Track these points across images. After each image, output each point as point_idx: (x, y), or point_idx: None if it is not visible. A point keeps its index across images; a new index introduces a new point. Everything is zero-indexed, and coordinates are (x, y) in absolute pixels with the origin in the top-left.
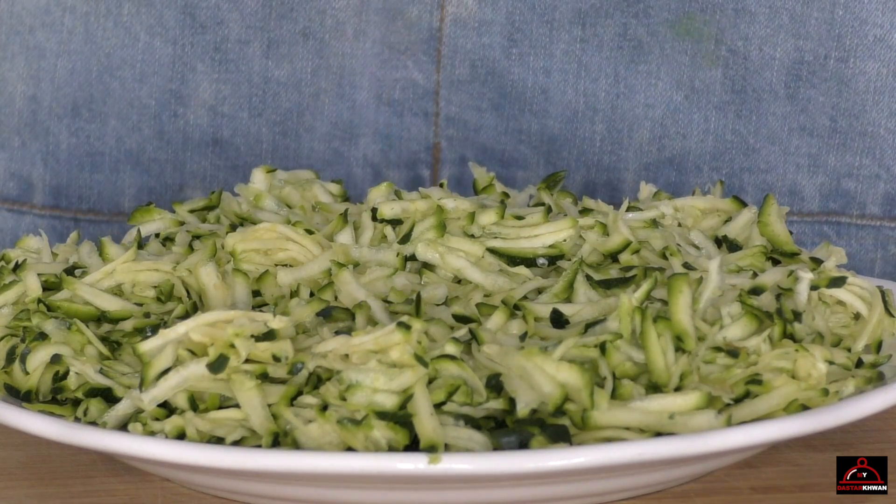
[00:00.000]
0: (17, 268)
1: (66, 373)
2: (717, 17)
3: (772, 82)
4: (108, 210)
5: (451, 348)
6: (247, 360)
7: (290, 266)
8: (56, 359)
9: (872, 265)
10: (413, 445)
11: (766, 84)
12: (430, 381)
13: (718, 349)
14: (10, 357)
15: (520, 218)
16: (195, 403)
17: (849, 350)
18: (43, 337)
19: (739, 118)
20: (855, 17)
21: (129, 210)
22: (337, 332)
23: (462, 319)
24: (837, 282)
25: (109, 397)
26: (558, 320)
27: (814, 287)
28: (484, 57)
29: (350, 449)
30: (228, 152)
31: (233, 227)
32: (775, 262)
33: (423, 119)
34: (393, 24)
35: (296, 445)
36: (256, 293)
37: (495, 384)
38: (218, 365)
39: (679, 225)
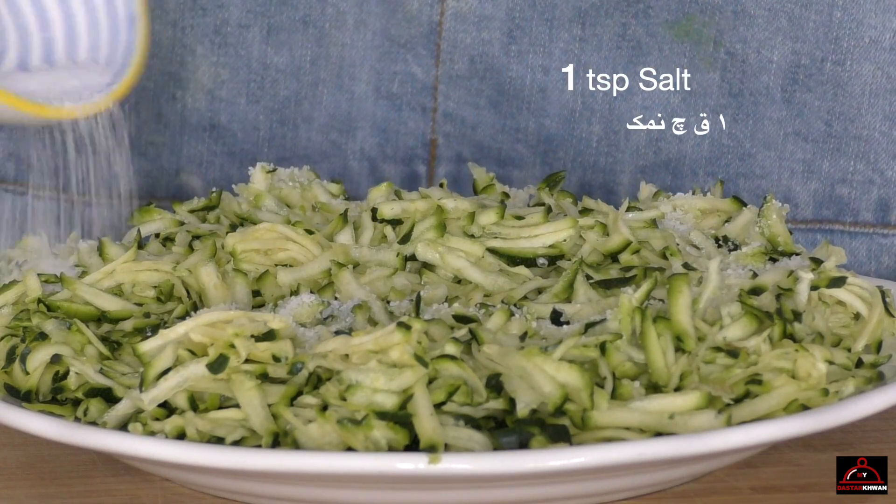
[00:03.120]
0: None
1: (66, 373)
2: (717, 18)
3: (769, 86)
4: (105, 192)
5: (451, 348)
6: (247, 360)
7: (290, 266)
8: (56, 359)
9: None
10: (413, 445)
11: (762, 88)
12: (430, 381)
13: (718, 349)
14: (10, 357)
15: (520, 218)
16: (195, 403)
17: (849, 350)
18: (43, 337)
19: (736, 122)
20: (852, 19)
21: (124, 193)
22: (337, 332)
23: (462, 319)
24: (837, 282)
25: (109, 397)
26: (558, 320)
27: (814, 287)
28: (483, 53)
29: (350, 449)
30: (225, 138)
31: (233, 227)
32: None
33: (421, 114)
34: (393, 17)
35: (296, 445)
36: (256, 293)
37: (495, 384)
38: (218, 365)
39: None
